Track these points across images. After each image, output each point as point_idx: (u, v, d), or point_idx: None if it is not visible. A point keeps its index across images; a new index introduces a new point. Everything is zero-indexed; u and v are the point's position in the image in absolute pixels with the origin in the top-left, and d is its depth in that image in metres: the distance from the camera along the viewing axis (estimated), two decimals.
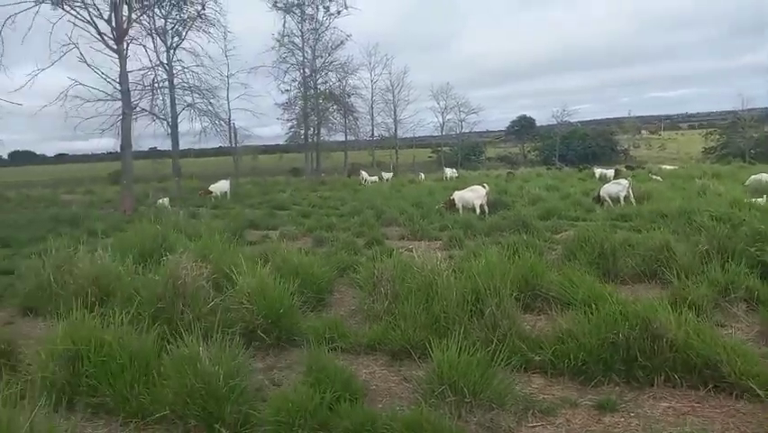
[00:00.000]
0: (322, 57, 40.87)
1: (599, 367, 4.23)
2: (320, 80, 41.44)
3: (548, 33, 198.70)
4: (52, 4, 20.09)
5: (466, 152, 63.07)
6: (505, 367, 3.93)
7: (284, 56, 39.32)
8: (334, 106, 42.82)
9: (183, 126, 43.45)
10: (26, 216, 17.89)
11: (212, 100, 30.95)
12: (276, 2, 38.21)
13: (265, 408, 3.73)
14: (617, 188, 15.30)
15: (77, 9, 20.45)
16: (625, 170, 31.27)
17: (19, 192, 31.80)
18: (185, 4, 29.67)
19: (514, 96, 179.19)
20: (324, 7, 39.46)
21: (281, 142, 50.75)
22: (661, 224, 9.78)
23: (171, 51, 29.99)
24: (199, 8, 29.43)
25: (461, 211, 14.43)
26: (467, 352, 3.83)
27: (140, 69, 26.21)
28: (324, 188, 29.51)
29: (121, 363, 4.12)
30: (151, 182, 34.77)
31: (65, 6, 20.27)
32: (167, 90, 29.60)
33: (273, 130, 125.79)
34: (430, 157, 65.58)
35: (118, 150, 23.34)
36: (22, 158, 72.64)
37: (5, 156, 60.88)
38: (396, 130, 52.47)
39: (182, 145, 32.60)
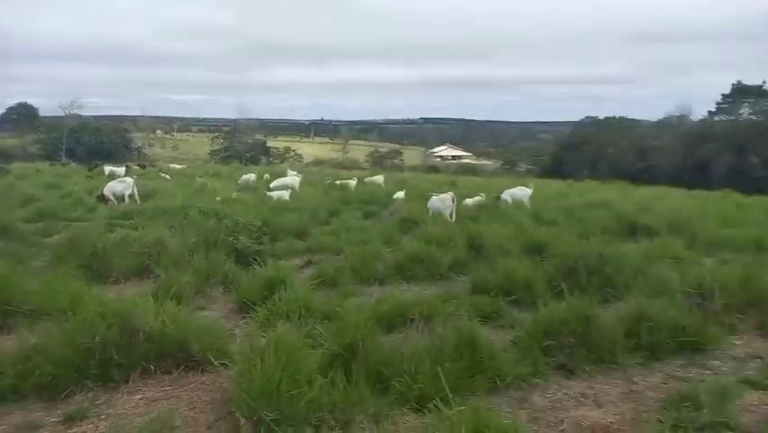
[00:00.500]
0: None
1: (72, 377, 3.93)
2: None
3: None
4: None
5: None
6: None
7: None
8: None
9: None
10: None
11: None
12: None
13: None
14: (122, 186, 15.14)
15: None
16: (136, 167, 31.10)
17: None
18: None
19: (7, 79, 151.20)
20: None
21: None
22: (160, 220, 10.19)
23: None
24: None
25: None
26: None
27: None
28: None
29: None
30: None
31: None
32: None
33: None
34: None
35: None
36: None
37: None
38: None
39: None
